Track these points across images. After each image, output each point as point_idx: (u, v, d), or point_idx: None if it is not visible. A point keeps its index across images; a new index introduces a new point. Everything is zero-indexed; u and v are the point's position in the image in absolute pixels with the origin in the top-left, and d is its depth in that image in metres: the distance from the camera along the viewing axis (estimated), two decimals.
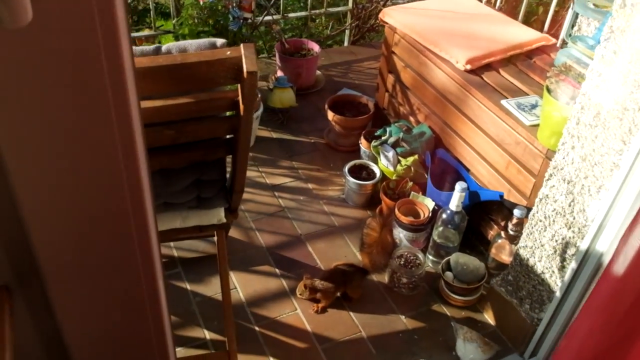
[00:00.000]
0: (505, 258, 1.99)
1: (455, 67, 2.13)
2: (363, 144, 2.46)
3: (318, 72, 3.15)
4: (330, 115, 2.57)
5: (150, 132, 1.13)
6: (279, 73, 3.00)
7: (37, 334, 0.69)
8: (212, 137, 1.24)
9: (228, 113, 1.20)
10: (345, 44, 3.59)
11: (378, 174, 2.35)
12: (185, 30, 2.52)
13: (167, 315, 0.77)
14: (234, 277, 2.04)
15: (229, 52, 1.04)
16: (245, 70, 1.02)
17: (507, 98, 1.98)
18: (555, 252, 1.68)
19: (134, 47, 1.13)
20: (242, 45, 1.05)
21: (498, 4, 2.89)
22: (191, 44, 1.12)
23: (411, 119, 2.43)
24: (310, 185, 2.46)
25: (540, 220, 1.70)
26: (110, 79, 0.52)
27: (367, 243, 1.96)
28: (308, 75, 3.01)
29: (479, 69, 2.13)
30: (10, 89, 0.49)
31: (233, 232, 2.20)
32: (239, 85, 1.08)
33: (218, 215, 1.46)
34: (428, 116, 2.31)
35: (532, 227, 1.74)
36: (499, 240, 1.98)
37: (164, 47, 1.11)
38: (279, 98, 2.73)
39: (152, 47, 1.11)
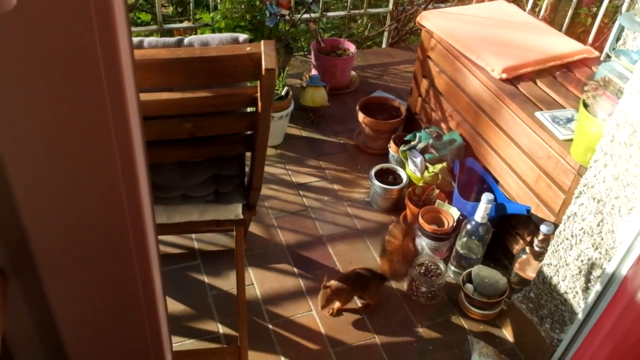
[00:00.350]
0: (529, 274, 1.93)
1: (490, 75, 2.08)
2: (392, 147, 2.43)
3: (353, 72, 3.12)
4: (361, 116, 2.54)
5: (168, 124, 1.13)
6: (313, 71, 2.99)
7: (32, 321, 0.69)
8: (231, 133, 1.23)
9: (248, 109, 1.19)
10: (383, 45, 3.56)
11: (405, 179, 2.32)
12: (221, 24, 2.52)
13: (163, 306, 0.76)
14: (252, 273, 2.03)
15: (248, 48, 1.03)
16: (263, 67, 1.01)
17: (542, 110, 1.92)
18: (580, 272, 1.62)
19: (157, 39, 1.13)
20: (262, 41, 1.04)
21: (542, 13, 2.83)
22: (213, 37, 1.11)
23: (443, 125, 2.38)
24: (335, 186, 2.44)
25: (567, 239, 1.64)
26: (107, 72, 0.51)
27: (388, 250, 1.93)
28: (342, 75, 2.99)
29: (514, 78, 2.07)
30: (2, 83, 0.49)
31: (254, 228, 2.20)
32: (258, 81, 1.07)
33: (235, 211, 1.46)
34: (460, 124, 2.27)
35: (558, 245, 1.68)
36: (524, 256, 1.93)
37: (186, 40, 1.11)
38: (311, 96, 2.71)
39: (174, 39, 1.11)
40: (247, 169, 1.43)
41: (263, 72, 1.01)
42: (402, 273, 1.97)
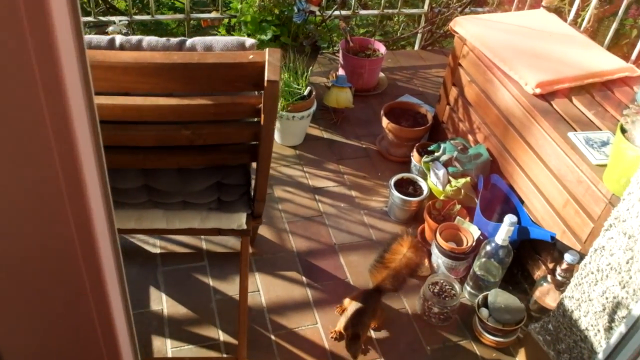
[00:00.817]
0: (549, 303, 1.83)
1: (523, 89, 1.97)
2: (415, 157, 2.33)
3: (381, 74, 3.03)
4: (385, 122, 2.45)
5: (166, 130, 1.06)
6: (340, 71, 2.90)
7: None
8: (234, 142, 1.16)
9: (254, 119, 1.12)
10: (416, 47, 3.44)
11: (425, 191, 2.22)
12: (247, 17, 2.45)
13: (126, 335, 0.69)
14: (258, 279, 1.97)
15: (251, 56, 0.95)
16: (266, 78, 0.93)
17: (575, 131, 1.81)
18: (604, 310, 1.51)
19: (157, 39, 1.06)
20: (267, 50, 0.96)
21: (584, 24, 2.69)
22: (218, 41, 1.03)
23: (469, 137, 2.28)
24: (353, 193, 2.36)
25: (592, 273, 1.53)
26: (43, 79, 0.43)
27: (387, 258, 1.81)
28: (370, 77, 2.89)
29: (549, 94, 1.96)
30: None
31: (265, 232, 2.13)
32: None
33: (239, 220, 1.39)
34: (487, 137, 2.16)
35: (582, 278, 1.57)
36: (544, 284, 1.82)
37: (188, 42, 1.04)
38: (336, 97, 2.63)
39: (176, 40, 1.04)
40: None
41: (265, 83, 0.94)
42: (397, 287, 1.84)
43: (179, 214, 1.35)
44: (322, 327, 1.85)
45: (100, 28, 2.82)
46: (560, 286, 1.75)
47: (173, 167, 1.18)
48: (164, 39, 1.03)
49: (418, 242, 1.81)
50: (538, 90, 1.94)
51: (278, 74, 0.94)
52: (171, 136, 1.07)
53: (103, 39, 1.00)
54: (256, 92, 1.04)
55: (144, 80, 0.96)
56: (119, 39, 1.01)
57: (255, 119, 1.05)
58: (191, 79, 0.97)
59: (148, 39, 1.02)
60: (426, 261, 2.05)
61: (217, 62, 0.95)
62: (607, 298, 1.49)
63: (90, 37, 1.01)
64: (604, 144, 1.75)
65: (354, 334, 1.70)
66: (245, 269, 1.59)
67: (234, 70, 0.97)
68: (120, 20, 2.83)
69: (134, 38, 1.02)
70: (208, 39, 1.04)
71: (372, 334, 1.85)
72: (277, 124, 2.47)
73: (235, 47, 1.03)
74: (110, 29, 2.79)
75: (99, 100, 1.00)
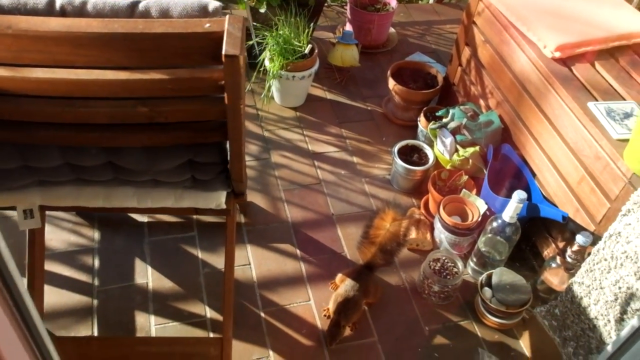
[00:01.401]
0: (558, 285, 1.71)
1: (541, 52, 1.80)
2: (422, 122, 2.18)
3: (392, 29, 2.84)
4: (391, 83, 2.29)
5: (118, 106, 0.93)
6: (347, 27, 2.72)
7: None
8: (201, 120, 1.03)
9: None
10: (431, 1, 3.23)
11: (431, 159, 2.08)
12: None
13: None
14: (250, 252, 1.87)
15: (207, 25, 0.81)
16: (223, 52, 0.80)
17: (596, 100, 1.64)
18: (616, 299, 1.39)
19: (105, 1, 0.92)
20: (227, 17, 0.81)
21: None
22: (176, 4, 0.89)
23: (481, 102, 2.11)
24: (355, 159, 2.22)
25: (605, 259, 1.40)
26: None
27: (371, 234, 1.69)
28: (379, 33, 2.71)
29: (570, 58, 1.78)
30: None
31: (259, 200, 2.02)
32: None
33: (217, 199, 1.27)
34: (500, 103, 1.99)
35: (594, 264, 1.44)
36: (553, 265, 1.69)
37: (141, 5, 0.89)
38: (340, 55, 2.46)
39: (127, 2, 0.89)
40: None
41: (223, 58, 0.80)
42: (387, 261, 1.73)
43: (151, 193, 1.24)
44: (315, 304, 1.76)
45: None
46: (570, 269, 1.63)
47: (134, 145, 1.06)
48: (112, 1, 0.89)
49: (400, 214, 1.66)
50: (558, 54, 1.76)
51: (239, 47, 0.80)
52: (127, 113, 0.94)
53: (41, 0, 0.87)
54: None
55: (82, 52, 0.83)
56: (59, 0, 0.88)
57: (223, 95, 0.92)
58: (137, 51, 0.83)
59: (94, 1, 0.88)
60: (428, 235, 1.93)
61: (165, 32, 0.80)
62: (620, 288, 1.37)
63: None
64: (627, 115, 1.59)
65: (336, 321, 1.61)
66: (231, 246, 1.49)
67: (186, 42, 0.83)
68: None
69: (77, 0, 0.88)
70: (165, 1, 0.88)
71: (368, 312, 1.75)
72: (277, 84, 2.32)
73: (196, 12, 0.88)
74: None
75: (36, 73, 0.88)
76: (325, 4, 2.92)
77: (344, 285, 1.66)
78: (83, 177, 1.18)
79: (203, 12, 0.89)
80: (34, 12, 0.86)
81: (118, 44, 0.83)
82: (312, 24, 2.27)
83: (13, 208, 1.27)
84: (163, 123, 0.99)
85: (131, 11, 0.89)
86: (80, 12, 0.88)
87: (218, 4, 0.89)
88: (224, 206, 1.27)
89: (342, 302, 1.62)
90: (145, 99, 0.93)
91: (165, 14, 0.89)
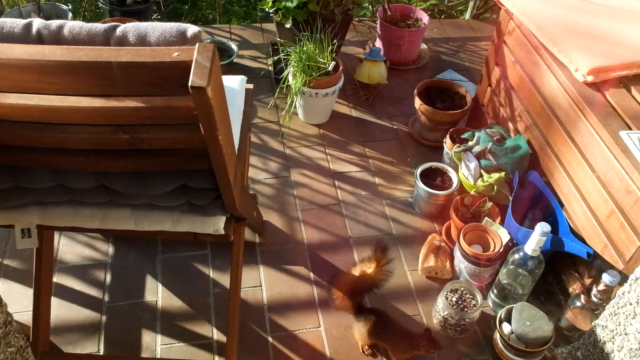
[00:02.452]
0: (583, 324, 1.60)
1: (572, 76, 1.70)
2: (447, 143, 2.10)
3: (424, 45, 2.77)
4: (418, 103, 2.22)
5: (100, 132, 0.90)
6: (377, 43, 2.66)
7: None
8: (185, 147, 0.99)
9: None
10: (467, 17, 3.14)
11: (455, 184, 1.99)
12: None
13: None
14: (262, 273, 1.82)
15: (176, 54, 0.77)
16: (190, 83, 0.75)
17: (630, 129, 1.54)
18: None
19: (82, 24, 0.89)
20: (197, 45, 0.77)
21: None
22: (155, 28, 0.85)
23: (510, 125, 2.02)
24: (377, 180, 2.16)
25: (631, 304, 1.30)
26: None
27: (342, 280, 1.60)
28: (410, 49, 2.65)
29: (603, 83, 1.68)
30: None
31: (275, 220, 1.98)
32: None
33: (215, 225, 1.23)
34: (529, 128, 1.90)
35: (619, 308, 1.34)
36: (578, 304, 1.59)
37: (119, 29, 0.86)
38: (367, 72, 2.41)
39: (103, 26, 0.86)
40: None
41: (189, 89, 0.76)
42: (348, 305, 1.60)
43: (148, 216, 1.21)
44: (325, 331, 1.70)
45: None
46: (595, 309, 1.53)
47: (120, 170, 1.03)
48: (89, 25, 0.86)
49: (382, 265, 1.53)
50: (590, 78, 1.67)
51: (206, 77, 0.75)
52: (108, 140, 0.91)
53: (18, 23, 0.85)
54: None
55: (48, 80, 0.80)
56: (36, 24, 0.85)
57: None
58: (105, 79, 0.80)
59: (71, 25, 0.85)
60: (447, 264, 1.85)
61: (132, 61, 0.77)
62: None
63: (4, 21, 0.85)
64: None
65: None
66: (236, 270, 1.45)
67: (155, 71, 0.79)
68: None
69: (54, 23, 0.86)
70: (143, 26, 0.85)
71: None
72: (300, 101, 2.28)
73: (174, 37, 0.85)
74: None
75: (9, 99, 0.86)
76: (357, 19, 2.88)
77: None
78: (77, 198, 1.16)
79: (181, 37, 0.85)
80: (10, 36, 0.85)
81: (84, 72, 0.80)
82: (336, 40, 2.22)
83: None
84: (147, 149, 0.96)
85: (108, 36, 0.86)
86: (57, 36, 0.86)
87: (197, 29, 0.86)
88: (222, 231, 1.24)
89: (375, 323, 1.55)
90: (125, 126, 0.90)
91: (142, 39, 0.86)
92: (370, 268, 1.53)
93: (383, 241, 1.54)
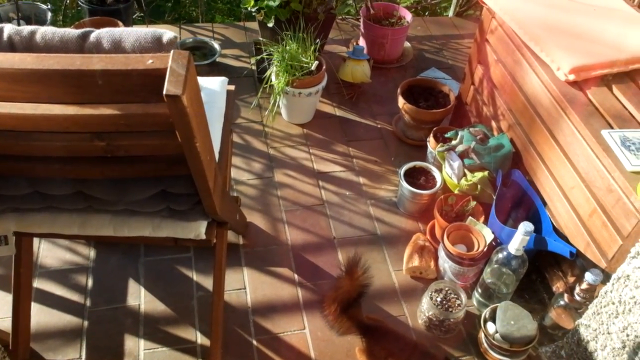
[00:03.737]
0: (566, 323, 1.61)
1: (554, 74, 1.70)
2: (431, 143, 2.10)
3: (407, 44, 2.76)
4: (401, 102, 2.21)
5: (76, 140, 0.88)
6: (361, 41, 2.65)
7: None
8: (163, 154, 0.97)
9: None
10: (450, 14, 3.14)
11: (439, 183, 1.99)
12: None
13: None
14: (246, 275, 1.81)
15: (150, 61, 0.75)
16: (164, 91, 0.74)
17: (611, 128, 1.54)
18: (624, 347, 1.29)
19: (54, 30, 0.87)
20: (172, 52, 0.76)
21: None
22: (129, 34, 0.84)
23: (493, 124, 2.02)
24: (361, 179, 2.15)
25: (613, 303, 1.31)
26: None
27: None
28: (393, 48, 2.64)
29: (585, 81, 1.68)
30: None
31: (259, 221, 1.97)
32: None
33: (196, 230, 1.22)
34: (512, 126, 1.90)
35: (601, 307, 1.35)
36: (561, 302, 1.60)
37: (93, 35, 0.84)
38: (351, 71, 2.40)
39: (77, 32, 0.85)
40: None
41: (164, 98, 0.74)
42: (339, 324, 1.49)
43: (128, 221, 1.19)
44: (310, 333, 1.69)
45: None
46: (578, 308, 1.53)
47: (99, 177, 1.01)
48: (62, 31, 0.84)
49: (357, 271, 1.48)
50: (572, 77, 1.67)
51: (182, 85, 0.74)
52: (84, 147, 0.90)
53: None
54: None
55: (19, 88, 0.78)
56: (7, 30, 0.83)
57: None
58: (77, 87, 0.78)
59: (43, 30, 0.83)
60: (432, 263, 1.84)
61: (104, 69, 0.75)
62: (628, 335, 1.27)
63: None
64: None
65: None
66: (219, 272, 1.43)
67: (128, 79, 0.78)
68: None
69: (26, 29, 0.84)
70: (117, 32, 0.83)
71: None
72: (283, 100, 2.26)
73: (150, 43, 0.83)
74: None
75: None
76: (340, 17, 2.86)
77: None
78: (55, 205, 1.14)
79: (157, 43, 0.83)
80: None
81: (56, 80, 0.78)
82: (319, 39, 2.21)
83: None
84: (125, 156, 0.94)
85: (82, 42, 0.84)
86: (29, 42, 0.84)
87: (172, 34, 0.84)
88: (203, 236, 1.22)
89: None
90: (101, 133, 0.88)
91: (117, 45, 0.84)
92: (347, 284, 1.47)
93: (355, 255, 1.48)
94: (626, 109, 1.62)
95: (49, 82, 0.78)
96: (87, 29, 0.86)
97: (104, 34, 0.85)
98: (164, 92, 0.75)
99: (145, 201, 1.11)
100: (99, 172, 1.00)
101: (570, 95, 1.65)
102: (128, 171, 1.01)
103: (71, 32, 0.85)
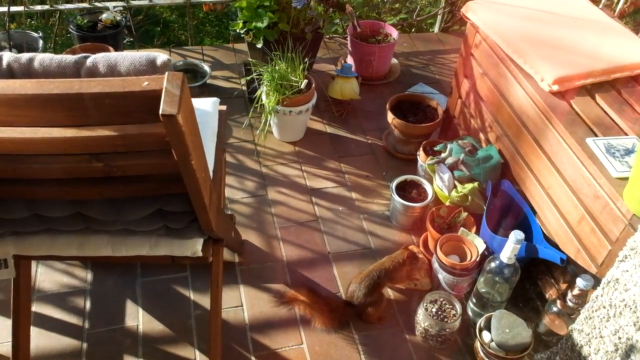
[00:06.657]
0: (560, 329, 1.63)
1: (538, 86, 1.75)
2: (421, 156, 2.13)
3: (394, 60, 2.81)
4: (390, 117, 2.25)
5: (74, 161, 0.91)
6: (349, 59, 2.70)
7: None
8: (159, 173, 1.00)
9: None
10: (436, 30, 3.20)
11: (430, 195, 2.02)
12: (242, 2, 2.27)
13: None
14: (243, 293, 1.83)
15: (146, 83, 0.79)
16: (160, 111, 0.77)
17: (595, 135, 1.58)
18: (616, 350, 1.31)
19: (52, 57, 0.90)
20: (166, 74, 0.79)
21: (620, 6, 2.41)
22: (125, 58, 0.87)
23: (481, 136, 2.06)
24: (354, 195, 2.18)
25: (604, 307, 1.34)
26: None
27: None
28: (380, 64, 2.69)
29: (569, 91, 1.73)
30: None
31: (254, 239, 1.98)
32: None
33: (193, 247, 1.24)
34: (500, 138, 1.94)
35: (593, 312, 1.37)
36: (554, 309, 1.62)
37: (89, 60, 0.88)
38: (340, 89, 2.44)
39: (73, 57, 0.88)
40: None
41: (160, 117, 0.77)
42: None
43: (125, 241, 1.22)
44: (308, 347, 1.70)
45: (94, 15, 2.68)
46: (572, 314, 1.56)
47: (95, 198, 1.04)
48: (59, 57, 0.88)
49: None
50: (555, 87, 1.71)
51: (177, 105, 0.77)
52: (82, 168, 0.92)
53: None
54: None
55: (19, 113, 0.81)
56: (6, 57, 0.86)
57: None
58: (77, 110, 0.81)
59: (41, 57, 0.87)
60: (425, 275, 1.87)
61: (102, 92, 0.78)
62: (619, 338, 1.29)
63: None
64: (628, 152, 1.53)
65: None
66: (216, 291, 1.45)
67: (126, 101, 0.81)
68: (115, 7, 2.69)
69: (25, 56, 0.87)
70: (113, 56, 0.87)
71: (363, 358, 1.69)
72: (274, 119, 2.30)
73: (144, 67, 0.87)
74: (103, 16, 2.66)
75: None
76: (327, 37, 2.91)
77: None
78: (53, 227, 1.16)
79: (151, 66, 0.87)
80: None
81: (55, 104, 0.81)
82: (308, 58, 2.25)
83: None
84: (122, 176, 0.97)
85: (78, 67, 0.87)
86: (28, 69, 0.87)
87: (166, 57, 0.87)
88: (199, 253, 1.24)
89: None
90: (98, 154, 0.91)
91: (112, 69, 0.87)
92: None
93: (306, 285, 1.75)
94: (608, 115, 1.66)
95: (48, 106, 0.81)
96: (83, 54, 0.90)
97: (99, 58, 0.88)
98: (160, 112, 0.78)
99: (142, 220, 1.13)
100: (96, 193, 1.02)
101: (555, 105, 1.69)
102: (125, 190, 1.03)
103: (68, 57, 0.88)
